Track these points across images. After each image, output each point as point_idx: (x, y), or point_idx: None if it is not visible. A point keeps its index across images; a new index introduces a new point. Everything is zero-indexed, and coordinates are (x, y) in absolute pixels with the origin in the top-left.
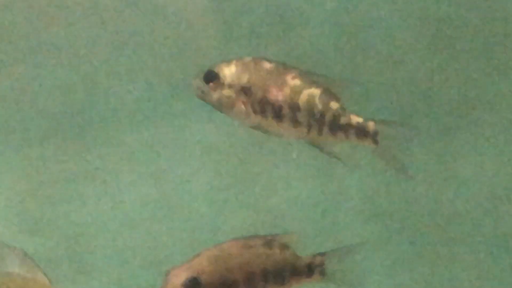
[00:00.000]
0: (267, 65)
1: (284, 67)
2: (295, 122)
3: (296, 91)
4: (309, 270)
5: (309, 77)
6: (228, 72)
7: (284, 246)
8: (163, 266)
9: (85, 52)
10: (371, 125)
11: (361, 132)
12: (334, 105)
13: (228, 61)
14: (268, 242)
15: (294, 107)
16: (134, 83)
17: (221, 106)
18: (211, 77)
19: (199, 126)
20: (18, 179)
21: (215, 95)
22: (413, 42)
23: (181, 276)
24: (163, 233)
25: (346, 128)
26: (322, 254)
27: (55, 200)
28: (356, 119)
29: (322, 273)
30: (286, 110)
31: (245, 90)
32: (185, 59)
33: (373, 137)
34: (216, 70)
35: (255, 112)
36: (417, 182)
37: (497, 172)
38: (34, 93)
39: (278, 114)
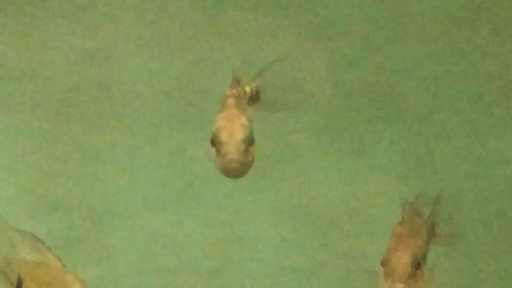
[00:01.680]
0: None
1: None
2: None
3: None
4: None
5: None
6: None
7: None
8: (183, 247)
9: (105, 22)
10: None
11: None
12: None
13: None
14: None
15: None
16: (153, 55)
17: None
18: None
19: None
20: (30, 157)
21: None
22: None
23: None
24: (182, 214)
25: None
26: None
27: (69, 179)
28: None
29: None
30: None
31: None
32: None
33: None
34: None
35: None
36: None
37: None
38: (49, 65)
39: None
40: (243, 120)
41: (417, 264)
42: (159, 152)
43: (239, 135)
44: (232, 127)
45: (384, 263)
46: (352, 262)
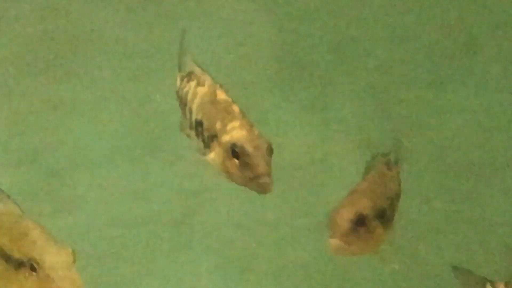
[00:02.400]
0: None
1: None
2: None
3: None
4: None
5: None
6: None
7: None
8: (149, 198)
9: None
10: None
11: None
12: None
13: None
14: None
15: None
16: (118, 10)
17: None
18: None
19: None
20: None
21: None
22: None
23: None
24: (147, 165)
25: None
26: None
27: (34, 132)
28: None
29: None
30: None
31: None
32: None
33: None
34: None
35: None
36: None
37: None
38: (11, 18)
39: None
40: (256, 129)
41: (360, 221)
42: (124, 104)
43: (264, 144)
44: (254, 137)
45: (328, 217)
46: (313, 212)
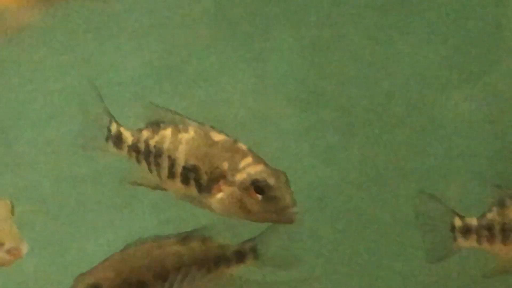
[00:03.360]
0: None
1: None
2: None
3: None
4: (240, 256)
5: None
6: None
7: (206, 239)
8: (93, 155)
9: None
10: None
11: None
12: None
13: None
14: (183, 239)
15: None
16: None
17: None
18: None
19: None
20: None
21: None
22: None
23: (84, 282)
24: None
25: None
26: (252, 240)
27: None
28: None
29: (256, 257)
30: None
31: None
32: None
33: None
34: None
35: None
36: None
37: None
38: None
39: None
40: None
41: None
42: (64, 61)
43: (282, 175)
44: (271, 170)
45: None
46: None
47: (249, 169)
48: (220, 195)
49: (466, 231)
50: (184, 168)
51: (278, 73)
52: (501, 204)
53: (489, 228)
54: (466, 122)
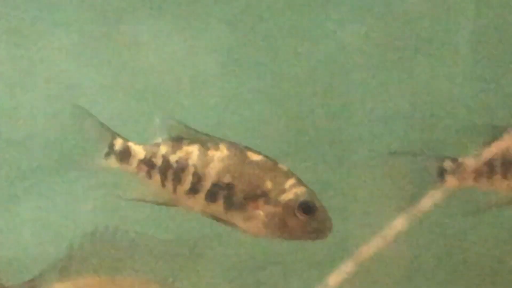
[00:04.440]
0: None
1: None
2: None
3: None
4: None
5: None
6: None
7: None
8: (24, 119)
9: None
10: None
11: None
12: None
13: None
14: None
15: None
16: None
17: None
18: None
19: None
20: None
21: None
22: None
23: None
24: (19, 87)
25: None
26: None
27: None
28: None
29: None
30: None
31: None
32: None
33: None
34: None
35: None
36: None
37: None
38: None
39: None
40: None
41: None
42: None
43: (315, 195)
44: (313, 192)
45: None
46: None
47: (295, 190)
48: (257, 213)
49: (461, 171)
50: (215, 185)
51: (207, 42)
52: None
53: (489, 164)
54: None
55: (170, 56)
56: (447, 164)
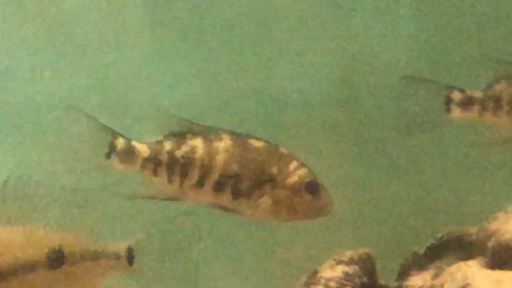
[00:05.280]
0: None
1: None
2: None
3: None
4: None
5: None
6: None
7: None
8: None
9: None
10: None
11: None
12: None
13: None
14: None
15: None
16: None
17: None
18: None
19: None
20: None
21: None
22: None
23: None
24: None
25: None
26: None
27: None
28: None
29: None
30: None
31: None
32: None
33: None
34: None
35: None
36: None
37: None
38: None
39: None
40: None
41: None
42: None
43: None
44: (313, 172)
45: None
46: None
47: (298, 172)
48: (264, 199)
49: (467, 102)
50: (221, 175)
51: None
52: (509, 77)
53: (497, 99)
54: None
55: (91, 11)
56: (455, 95)
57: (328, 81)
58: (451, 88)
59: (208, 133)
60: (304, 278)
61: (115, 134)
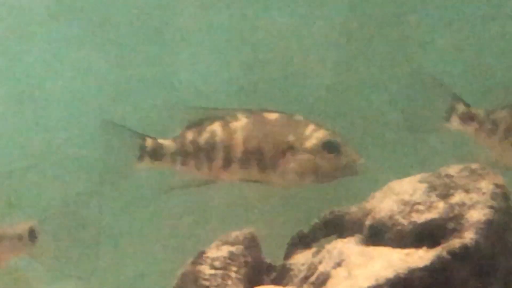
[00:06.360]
0: None
1: None
2: None
3: None
4: None
5: None
6: None
7: None
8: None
9: None
10: None
11: None
12: None
13: None
14: None
15: None
16: None
17: None
18: None
19: None
20: None
21: None
22: None
23: None
24: None
25: None
26: None
27: None
28: None
29: None
30: None
31: None
32: None
33: None
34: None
35: None
36: None
37: None
38: None
39: None
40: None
41: None
42: None
43: (337, 134)
44: (331, 130)
45: None
46: None
47: (316, 134)
48: (289, 166)
49: (468, 117)
50: (244, 152)
51: None
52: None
53: (494, 123)
54: None
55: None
56: (460, 106)
57: (231, 68)
58: (459, 99)
59: (225, 115)
60: (191, 259)
61: (142, 136)
